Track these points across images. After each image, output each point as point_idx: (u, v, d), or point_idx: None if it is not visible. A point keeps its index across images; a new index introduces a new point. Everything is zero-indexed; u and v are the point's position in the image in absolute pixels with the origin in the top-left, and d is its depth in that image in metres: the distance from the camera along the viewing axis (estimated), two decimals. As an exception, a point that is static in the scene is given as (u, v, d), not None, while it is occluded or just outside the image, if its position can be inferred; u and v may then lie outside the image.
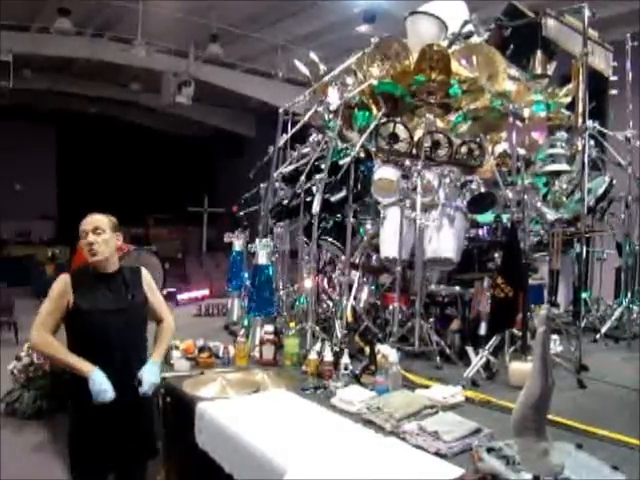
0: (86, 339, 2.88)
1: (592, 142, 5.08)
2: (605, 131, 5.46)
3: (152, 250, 6.03)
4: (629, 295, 5.32)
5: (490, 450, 2.44)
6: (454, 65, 4.92)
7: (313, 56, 5.67)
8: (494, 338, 3.91)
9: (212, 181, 18.74)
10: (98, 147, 17.17)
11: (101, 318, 2.87)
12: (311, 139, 5.69)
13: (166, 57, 12.19)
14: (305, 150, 5.66)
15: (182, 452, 3.25)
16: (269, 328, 4.16)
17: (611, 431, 2.82)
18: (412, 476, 2.32)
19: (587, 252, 5.47)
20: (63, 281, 2.89)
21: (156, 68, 12.38)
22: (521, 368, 3.62)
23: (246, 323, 4.58)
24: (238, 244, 5.45)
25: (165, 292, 6.03)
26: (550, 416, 2.71)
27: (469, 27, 5.29)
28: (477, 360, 3.81)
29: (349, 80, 5.43)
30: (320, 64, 5.72)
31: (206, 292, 7.30)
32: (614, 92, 5.47)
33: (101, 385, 2.75)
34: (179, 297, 6.36)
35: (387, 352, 3.51)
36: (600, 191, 5.09)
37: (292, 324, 4.23)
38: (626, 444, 2.72)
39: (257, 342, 4.24)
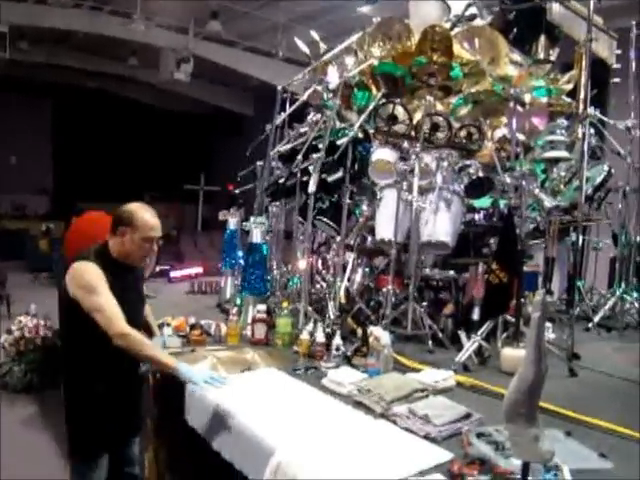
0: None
1: (592, 130, 5.05)
2: (605, 119, 5.42)
3: (146, 226, 5.96)
4: (623, 285, 5.31)
5: (480, 435, 2.43)
6: (456, 47, 4.87)
7: (314, 35, 5.61)
8: (487, 323, 3.89)
9: (209, 159, 18.66)
10: (95, 122, 17.06)
11: (128, 308, 2.79)
12: (309, 118, 5.63)
13: (165, 33, 12.10)
14: (303, 129, 5.61)
15: (171, 430, 3.24)
16: (262, 307, 4.14)
17: (600, 419, 2.82)
18: (402, 459, 2.31)
19: (583, 241, 5.45)
20: (97, 270, 2.74)
21: (155, 44, 12.27)
22: (513, 354, 3.62)
23: (239, 302, 4.56)
24: (233, 222, 5.41)
25: (158, 269, 5.99)
26: (540, 403, 2.71)
27: (472, 10, 5.23)
28: (469, 345, 3.80)
29: (349, 60, 5.38)
30: (320, 43, 5.67)
31: (200, 270, 7.27)
32: (617, 80, 5.42)
33: (191, 378, 2.73)
34: (172, 274, 6.33)
35: (379, 334, 3.49)
36: (598, 180, 5.06)
37: (285, 304, 4.20)
38: (615, 433, 2.72)
39: (249, 321, 4.22)
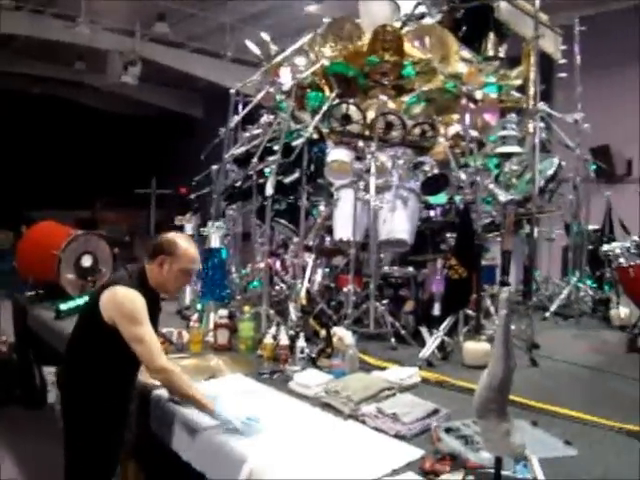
0: (130, 358, 2.73)
1: (542, 124, 5.15)
2: (554, 113, 5.53)
3: (101, 234, 5.88)
4: (577, 274, 5.44)
5: (448, 430, 2.46)
6: (407, 46, 4.92)
7: (264, 36, 5.59)
8: (448, 319, 3.94)
9: (160, 163, 18.40)
10: (40, 128, 16.64)
11: None
12: (262, 120, 5.61)
13: (112, 35, 11.91)
14: (256, 131, 5.59)
15: (139, 440, 3.18)
16: (223, 312, 4.11)
17: (564, 407, 2.88)
18: (374, 459, 2.32)
19: (536, 232, 5.56)
20: (142, 300, 2.70)
21: (101, 47, 12.06)
22: (475, 348, 3.67)
23: (199, 307, 4.52)
24: (189, 227, 5.36)
25: (114, 277, 5.89)
26: (506, 395, 2.76)
27: (422, 8, 5.29)
28: (432, 341, 3.84)
29: (301, 61, 5.38)
30: (271, 44, 5.64)
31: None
32: (563, 75, 5.55)
33: (229, 422, 2.57)
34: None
35: (343, 334, 3.50)
36: (549, 172, 5.16)
37: (246, 308, 4.17)
38: (578, 420, 2.78)
39: (211, 327, 4.18)
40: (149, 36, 11.96)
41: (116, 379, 2.81)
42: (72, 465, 2.79)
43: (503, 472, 1.86)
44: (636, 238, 4.47)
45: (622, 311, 4.86)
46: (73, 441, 2.79)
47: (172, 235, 2.94)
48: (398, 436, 2.54)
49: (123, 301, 2.67)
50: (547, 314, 5.10)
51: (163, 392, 3.01)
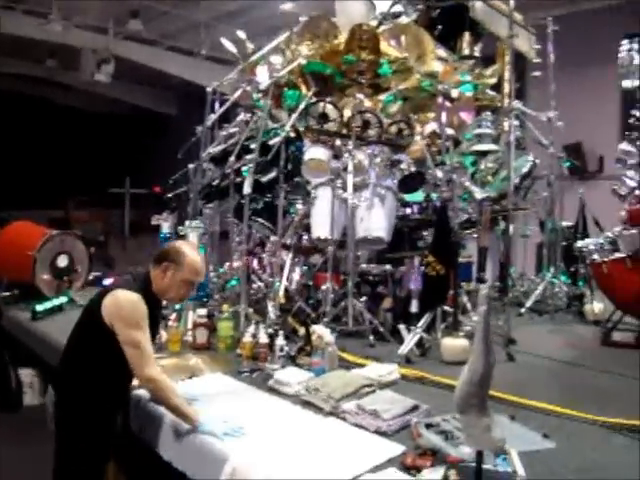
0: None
1: (516, 122, 5.21)
2: (528, 111, 5.60)
3: (77, 234, 5.82)
4: (551, 270, 5.51)
5: (428, 426, 2.49)
6: (383, 45, 4.95)
7: (240, 34, 5.57)
8: (426, 315, 3.97)
9: (134, 161, 18.27)
10: (11, 126, 16.41)
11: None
12: (239, 119, 5.60)
13: (84, 33, 11.74)
14: (233, 130, 5.57)
15: (119, 441, 3.16)
16: (202, 312, 4.10)
17: (541, 401, 2.93)
18: (355, 455, 2.34)
19: (512, 229, 5.61)
20: (143, 306, 2.68)
21: (74, 44, 11.89)
22: (453, 344, 3.71)
23: (177, 307, 4.50)
24: (166, 226, 5.32)
25: (92, 277, 5.85)
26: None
27: (398, 7, 5.32)
28: (410, 337, 3.87)
29: (277, 59, 5.37)
30: (247, 42, 5.63)
31: (132, 276, 7.11)
32: (538, 74, 5.61)
33: (212, 433, 2.54)
34: (105, 282, 6.15)
35: (322, 332, 3.52)
36: (524, 170, 5.23)
37: (225, 307, 4.17)
38: (555, 413, 2.84)
39: (190, 326, 4.17)
40: (123, 34, 11.83)
41: (113, 383, 2.79)
42: (63, 466, 2.76)
43: (484, 466, 1.89)
44: (609, 234, 4.54)
45: (596, 306, 4.94)
46: (66, 442, 2.76)
47: (180, 243, 2.97)
48: (379, 432, 2.57)
49: (124, 304, 2.66)
50: (523, 310, 5.17)
51: (143, 392, 3.00)
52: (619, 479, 2.24)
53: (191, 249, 2.94)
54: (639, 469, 2.25)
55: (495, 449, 1.89)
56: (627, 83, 4.59)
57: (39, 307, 4.89)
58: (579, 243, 4.86)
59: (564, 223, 5.77)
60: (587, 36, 8.43)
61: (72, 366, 2.82)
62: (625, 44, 4.64)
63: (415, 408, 2.74)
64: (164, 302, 3.25)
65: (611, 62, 5.30)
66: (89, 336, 2.77)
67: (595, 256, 4.54)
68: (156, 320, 2.94)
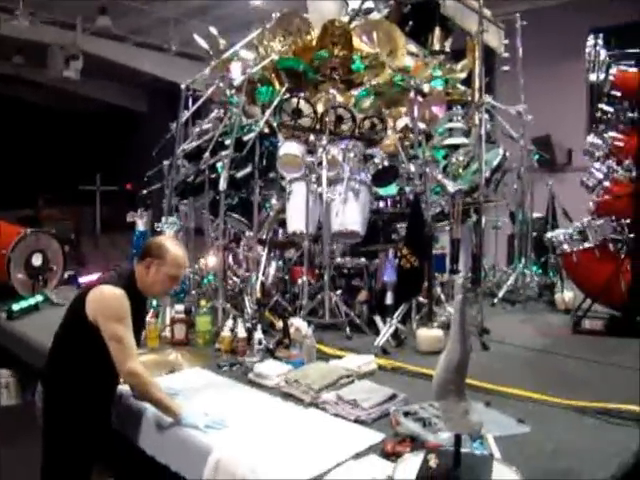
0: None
1: (487, 116, 5.29)
2: (498, 105, 5.69)
3: (51, 233, 5.79)
4: (522, 260, 5.62)
5: (407, 414, 2.53)
6: (355, 41, 5.00)
7: (212, 30, 5.58)
8: (401, 307, 4.04)
9: (104, 158, 18.11)
10: (-21, 125, 16.21)
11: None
12: (212, 115, 5.60)
13: (52, 29, 11.62)
14: (206, 126, 5.58)
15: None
16: (179, 307, 4.11)
17: (515, 388, 3.01)
18: (336, 444, 2.39)
19: (484, 221, 5.70)
20: (126, 301, 2.70)
21: (41, 40, 11.76)
22: (428, 334, 3.79)
23: (155, 303, 4.51)
24: (141, 223, 5.32)
25: (67, 275, 5.82)
26: (460, 378, 2.87)
27: (369, 3, 5.37)
28: (386, 329, 3.93)
29: (250, 55, 5.39)
30: (219, 38, 5.64)
31: (107, 273, 7.07)
32: (507, 68, 5.70)
33: (194, 425, 2.57)
34: (80, 280, 6.14)
35: (299, 325, 3.58)
36: (495, 163, 5.30)
37: (202, 302, 4.20)
38: (529, 399, 2.92)
39: (167, 322, 4.19)
40: (91, 30, 11.73)
41: (99, 378, 2.81)
42: (50, 462, 2.78)
43: (462, 449, 1.95)
44: (578, 225, 4.65)
45: (566, 295, 5.05)
46: (53, 438, 2.78)
47: (161, 239, 3.03)
48: (358, 421, 2.63)
49: (108, 299, 2.69)
50: (495, 300, 5.27)
51: (124, 388, 3.02)
52: (591, 459, 2.31)
53: (173, 244, 2.98)
54: (611, 450, 2.34)
55: (473, 432, 1.96)
56: (593, 77, 4.69)
57: (15, 306, 4.86)
58: (549, 234, 4.97)
59: (534, 214, 5.87)
60: (555, 31, 8.61)
61: (59, 363, 2.84)
62: (591, 39, 4.75)
63: (393, 397, 2.81)
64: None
65: (579, 56, 5.42)
66: (74, 333, 2.79)
67: (565, 246, 4.66)
68: (141, 315, 2.97)
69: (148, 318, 4.03)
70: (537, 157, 5.94)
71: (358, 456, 2.29)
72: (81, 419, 2.76)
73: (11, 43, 12.01)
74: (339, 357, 3.54)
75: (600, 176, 4.72)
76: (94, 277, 6.57)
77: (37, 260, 5.46)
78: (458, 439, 1.91)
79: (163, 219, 4.58)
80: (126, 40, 12.72)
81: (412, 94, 4.29)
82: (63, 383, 2.79)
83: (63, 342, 2.85)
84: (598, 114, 4.78)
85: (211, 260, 4.89)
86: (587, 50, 4.78)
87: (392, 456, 2.25)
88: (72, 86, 13.87)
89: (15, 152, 16.51)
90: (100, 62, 12.70)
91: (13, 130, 16.55)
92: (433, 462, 1.88)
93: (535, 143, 6.81)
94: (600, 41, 4.72)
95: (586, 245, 4.50)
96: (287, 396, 2.98)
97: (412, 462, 1.96)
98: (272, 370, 3.22)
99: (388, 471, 2.07)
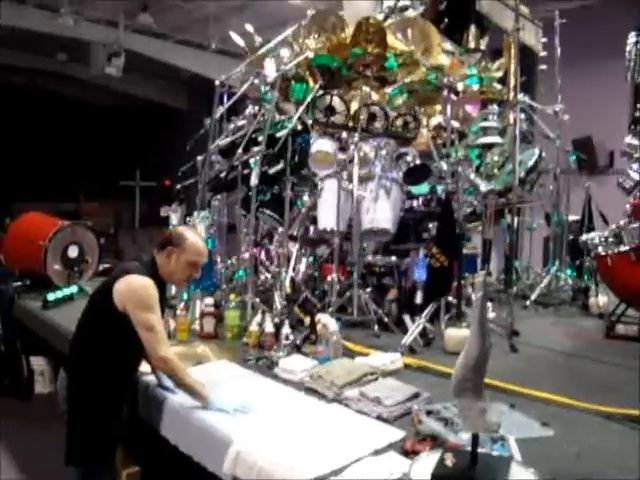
0: (138, 346, 2.80)
1: (522, 115, 5.23)
2: (535, 105, 5.61)
3: (87, 225, 5.89)
4: (557, 263, 5.53)
5: (429, 413, 2.54)
6: (390, 38, 4.98)
7: (248, 27, 5.61)
8: (430, 306, 4.01)
9: (144, 154, 18.35)
10: (23, 120, 16.48)
11: None
12: (247, 111, 5.64)
13: (95, 27, 11.78)
14: (241, 123, 5.61)
15: (128, 425, 3.23)
16: (209, 301, 4.15)
17: (541, 391, 2.97)
18: (357, 440, 2.39)
19: (517, 222, 5.64)
20: (154, 289, 2.78)
21: (84, 38, 11.95)
22: (456, 334, 3.75)
23: (185, 297, 4.55)
24: (175, 217, 5.38)
25: (102, 268, 5.93)
26: (485, 379, 2.84)
27: (404, 1, 5.35)
28: (414, 327, 3.91)
29: (285, 52, 5.41)
30: (255, 35, 5.67)
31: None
32: (544, 67, 5.62)
33: (222, 408, 2.69)
34: (114, 272, 6.23)
35: (327, 322, 3.57)
36: (530, 163, 5.24)
37: (232, 296, 4.23)
38: (555, 402, 2.87)
39: (197, 315, 4.23)
40: (133, 27, 11.89)
41: (122, 365, 2.90)
42: (75, 447, 2.83)
43: (480, 449, 1.93)
44: (613, 227, 4.56)
45: (601, 299, 4.96)
46: (77, 423, 2.84)
47: (180, 228, 3.15)
48: (380, 418, 2.62)
49: (138, 288, 2.75)
50: (528, 303, 5.19)
51: (151, 378, 3.07)
52: (615, 465, 2.27)
53: (191, 232, 3.08)
54: (636, 456, 2.30)
55: (490, 431, 1.94)
56: (631, 76, 4.60)
57: (50, 296, 4.96)
58: (584, 236, 4.88)
59: (571, 217, 5.78)
60: (600, 29, 8.41)
61: (82, 350, 2.90)
62: (631, 37, 4.65)
63: (416, 396, 2.79)
64: (173, 290, 3.33)
65: (623, 55, 5.30)
66: (99, 320, 2.85)
67: (599, 249, 4.56)
68: (163, 301, 3.01)
69: (178, 311, 4.10)
70: (574, 158, 5.84)
71: (377, 452, 2.28)
72: (104, 404, 2.82)
73: (55, 41, 12.25)
74: (365, 354, 3.54)
75: (637, 178, 4.61)
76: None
77: (73, 252, 5.55)
78: (475, 439, 1.89)
79: (195, 213, 4.62)
80: (167, 37, 12.85)
81: (445, 92, 4.25)
82: (87, 370, 2.84)
83: (88, 330, 2.91)
84: (637, 114, 4.68)
85: (243, 255, 4.92)
86: (628, 48, 4.68)
87: (411, 454, 2.24)
88: (114, 83, 14.06)
89: (57, 147, 16.84)
90: (141, 59, 12.86)
91: (56, 126, 16.88)
92: (449, 461, 1.86)
93: (575, 144, 6.72)
94: (641, 39, 4.63)
95: (621, 248, 4.40)
96: (311, 391, 2.99)
97: (429, 460, 1.94)
98: (297, 365, 3.23)
99: (405, 468, 2.06)
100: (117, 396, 2.91)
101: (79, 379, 2.86)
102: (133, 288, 2.75)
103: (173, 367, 2.74)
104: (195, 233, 3.12)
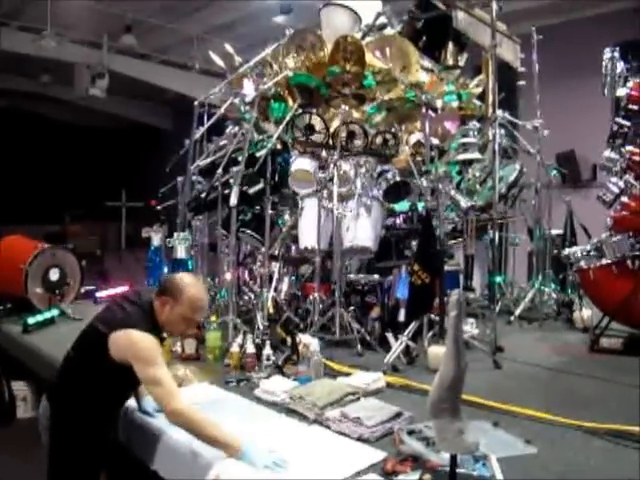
0: (129, 387, 2.78)
1: (503, 131, 5.24)
2: (515, 120, 5.64)
3: (68, 248, 5.85)
4: (540, 278, 5.53)
5: (411, 432, 2.51)
6: (368, 56, 4.99)
7: (228, 47, 5.63)
8: (413, 324, 3.99)
9: (130, 175, 18.31)
10: (8, 142, 16.45)
11: None
12: (227, 131, 5.64)
13: (78, 48, 11.83)
14: (222, 142, 5.61)
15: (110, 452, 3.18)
16: (190, 322, 4.11)
17: (525, 408, 2.94)
18: (337, 462, 2.36)
19: (500, 238, 5.64)
20: (155, 343, 2.62)
21: (68, 59, 11.97)
22: (440, 352, 3.69)
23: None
24: (156, 238, 5.36)
25: (83, 290, 5.87)
26: (468, 396, 2.82)
27: (382, 19, 5.37)
28: (397, 346, 3.88)
29: (264, 72, 5.42)
30: (235, 55, 5.68)
31: (126, 288, 7.12)
32: (522, 83, 5.65)
33: (253, 463, 2.39)
34: (98, 295, 6.18)
35: (308, 341, 3.55)
36: (511, 178, 5.25)
37: (213, 318, 4.19)
38: (539, 419, 2.85)
39: (178, 337, 4.19)
40: (116, 48, 11.92)
41: (109, 402, 2.82)
42: (56, 476, 2.76)
43: (460, 470, 1.91)
44: (595, 241, 4.56)
45: (585, 313, 4.94)
46: (59, 454, 2.76)
47: (180, 277, 2.84)
48: (361, 439, 2.59)
49: (138, 343, 2.59)
50: (512, 318, 5.18)
51: (132, 403, 3.02)
52: (597, 482, 2.25)
53: (192, 284, 2.80)
54: (617, 472, 2.28)
55: (468, 452, 1.91)
56: (609, 91, 4.63)
57: (31, 320, 4.91)
58: (566, 250, 4.88)
59: (554, 231, 5.78)
60: (582, 44, 8.48)
61: (69, 383, 2.79)
62: (607, 52, 4.68)
63: (398, 415, 2.77)
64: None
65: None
66: (90, 359, 2.72)
67: (582, 263, 4.56)
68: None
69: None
70: (555, 172, 5.86)
71: (358, 474, 2.25)
72: (87, 435, 2.74)
73: (38, 62, 12.25)
74: (347, 374, 3.50)
75: (617, 191, 4.62)
76: (113, 291, 6.67)
77: (54, 275, 5.50)
78: (454, 459, 1.86)
79: (175, 235, 4.59)
80: (151, 58, 12.91)
81: (424, 109, 4.25)
82: (73, 402, 2.75)
83: (77, 365, 2.79)
84: (615, 128, 4.70)
85: (225, 276, 4.89)
86: (604, 63, 4.72)
87: (392, 475, 2.21)
88: (98, 104, 14.07)
89: (42, 169, 16.79)
90: (125, 80, 12.89)
91: (41, 147, 16.86)
92: (427, 482, 1.84)
93: (559, 158, 6.73)
94: (617, 54, 4.66)
95: (603, 262, 4.41)
96: (292, 412, 2.95)
97: (407, 481, 1.91)
98: (278, 386, 3.20)
99: (384, 490, 2.03)
100: (102, 428, 2.83)
101: (64, 410, 2.76)
102: (134, 344, 2.59)
103: (189, 419, 2.51)
104: (196, 285, 2.81)
